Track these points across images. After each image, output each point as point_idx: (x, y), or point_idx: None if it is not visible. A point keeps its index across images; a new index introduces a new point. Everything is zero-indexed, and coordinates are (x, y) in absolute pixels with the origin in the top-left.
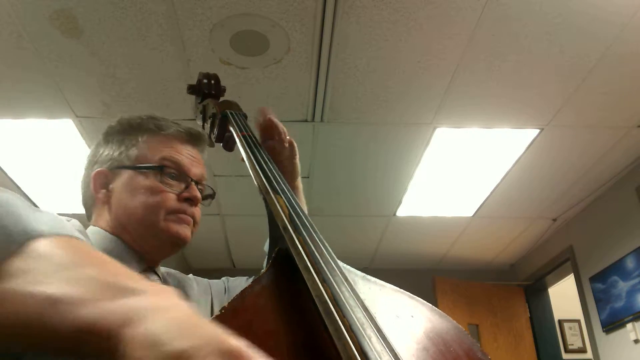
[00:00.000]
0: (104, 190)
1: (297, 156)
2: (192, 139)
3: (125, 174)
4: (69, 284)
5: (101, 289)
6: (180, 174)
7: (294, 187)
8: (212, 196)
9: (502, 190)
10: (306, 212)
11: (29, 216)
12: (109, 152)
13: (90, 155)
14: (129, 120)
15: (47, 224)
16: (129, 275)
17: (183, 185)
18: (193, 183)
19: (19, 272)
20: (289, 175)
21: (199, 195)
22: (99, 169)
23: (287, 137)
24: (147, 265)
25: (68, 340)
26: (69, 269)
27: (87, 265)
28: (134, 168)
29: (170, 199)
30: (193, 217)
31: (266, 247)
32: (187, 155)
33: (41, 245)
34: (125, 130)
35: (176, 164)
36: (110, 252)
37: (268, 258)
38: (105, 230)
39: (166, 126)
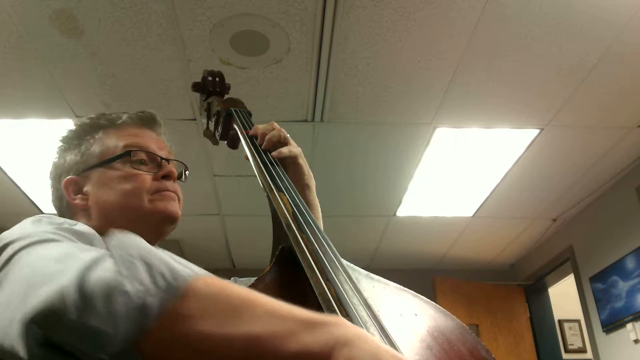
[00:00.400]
0: (79, 196)
1: (299, 157)
2: (147, 122)
3: (95, 174)
4: (261, 322)
5: (292, 322)
6: (149, 156)
7: (301, 186)
8: (185, 169)
9: (502, 190)
10: (319, 213)
11: (167, 258)
12: (70, 158)
13: (53, 170)
14: (79, 124)
15: (186, 264)
16: (300, 309)
17: (155, 166)
18: (164, 161)
19: (199, 313)
20: (293, 175)
21: (174, 170)
22: (67, 178)
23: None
24: None
25: None
26: (246, 308)
27: (258, 304)
28: (101, 164)
29: (147, 180)
30: (175, 192)
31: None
32: (149, 139)
33: (200, 287)
34: (79, 134)
35: (141, 147)
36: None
37: (272, 256)
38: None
39: (117, 117)
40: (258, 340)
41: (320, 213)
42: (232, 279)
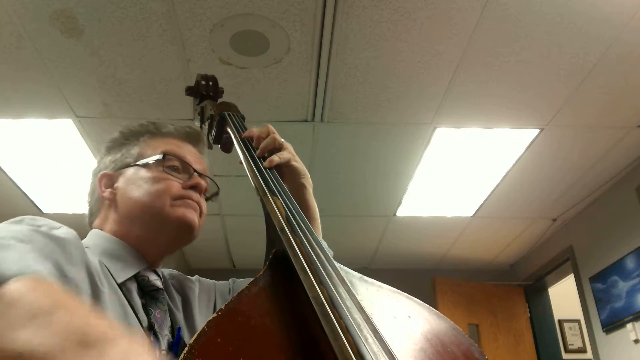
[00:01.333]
0: (109, 190)
1: (291, 160)
2: (191, 138)
3: (129, 171)
4: (36, 336)
5: (67, 340)
6: (182, 165)
7: (297, 186)
8: (216, 193)
9: (502, 190)
10: (317, 212)
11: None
12: (112, 157)
13: (95, 168)
14: (129, 127)
15: (17, 263)
16: (98, 324)
17: (187, 176)
18: (196, 174)
19: None
20: (288, 176)
21: (203, 183)
22: (103, 172)
23: (279, 142)
24: (149, 264)
25: None
26: (37, 317)
27: (55, 312)
28: (136, 165)
29: (175, 186)
30: (199, 204)
31: None
32: (187, 152)
33: (11, 290)
34: (126, 137)
35: (178, 155)
36: (110, 253)
37: (265, 259)
38: (108, 233)
39: (165, 126)
40: (18, 357)
41: (317, 214)
42: (230, 280)
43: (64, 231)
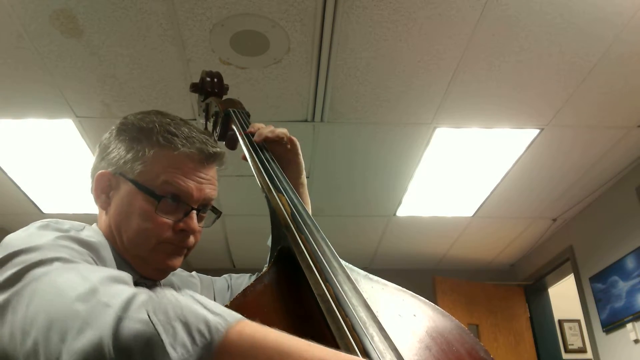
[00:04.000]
0: (103, 196)
1: (300, 154)
2: (205, 158)
3: (126, 187)
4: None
5: None
6: (181, 203)
7: (297, 185)
8: (217, 216)
9: (502, 190)
10: (309, 210)
11: (201, 309)
12: (116, 153)
13: (103, 147)
14: (141, 121)
15: (217, 310)
16: (334, 353)
17: (182, 214)
18: (194, 211)
19: None
20: (292, 173)
21: (195, 225)
22: (102, 171)
23: (288, 136)
24: (140, 275)
25: None
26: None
27: (292, 354)
28: (135, 184)
29: (165, 228)
30: (187, 246)
31: (269, 242)
32: (195, 179)
33: (235, 339)
34: (135, 136)
35: (178, 189)
36: (108, 258)
37: (270, 257)
38: (104, 235)
39: (179, 142)
40: None
41: (309, 205)
42: (226, 275)
43: (89, 234)
